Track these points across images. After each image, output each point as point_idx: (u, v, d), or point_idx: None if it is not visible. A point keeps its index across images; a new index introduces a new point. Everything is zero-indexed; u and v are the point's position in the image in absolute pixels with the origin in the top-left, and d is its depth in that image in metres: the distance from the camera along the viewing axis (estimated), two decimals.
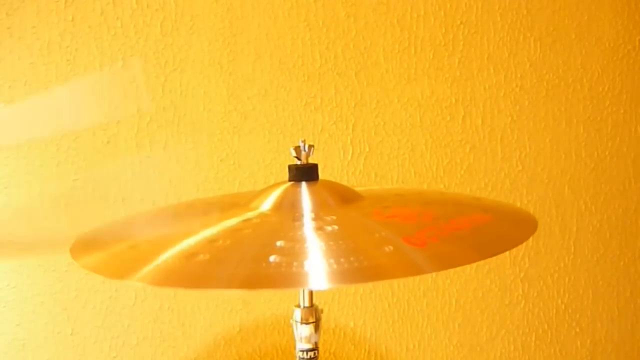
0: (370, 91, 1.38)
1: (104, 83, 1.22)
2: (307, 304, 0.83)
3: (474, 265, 1.49)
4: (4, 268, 1.21)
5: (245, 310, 1.34)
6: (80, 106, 1.22)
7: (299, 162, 0.82)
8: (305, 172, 0.80)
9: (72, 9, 1.19)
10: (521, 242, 0.73)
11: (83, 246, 0.76)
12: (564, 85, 1.54)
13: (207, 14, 1.27)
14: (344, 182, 0.86)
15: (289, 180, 0.81)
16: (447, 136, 1.45)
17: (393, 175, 1.42)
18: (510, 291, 1.55)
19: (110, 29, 1.22)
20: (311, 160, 0.82)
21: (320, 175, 0.82)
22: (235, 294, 1.32)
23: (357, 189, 0.85)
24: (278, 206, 0.76)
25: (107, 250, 0.72)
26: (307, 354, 0.83)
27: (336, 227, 0.69)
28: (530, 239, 0.76)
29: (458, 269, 1.40)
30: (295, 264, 0.61)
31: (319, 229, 0.69)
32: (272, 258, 0.62)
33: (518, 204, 1.52)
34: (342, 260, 0.61)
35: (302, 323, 0.83)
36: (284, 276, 0.59)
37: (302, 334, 0.83)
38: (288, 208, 0.76)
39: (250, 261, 0.62)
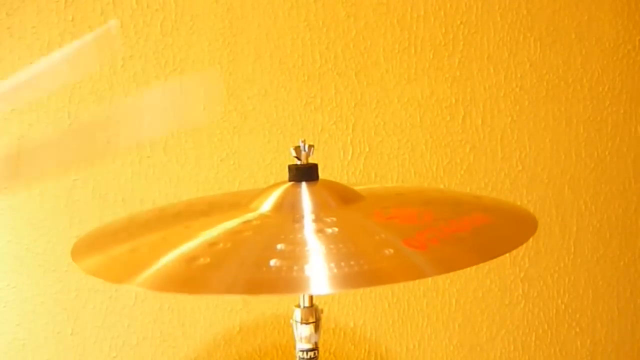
0: (370, 91, 1.38)
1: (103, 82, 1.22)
2: (307, 304, 0.83)
3: (475, 265, 1.49)
4: (4, 268, 1.21)
5: (245, 310, 1.34)
6: (80, 106, 1.21)
7: (299, 162, 0.81)
8: (305, 172, 0.80)
9: (72, 9, 1.19)
10: (521, 244, 0.73)
11: (84, 248, 0.76)
12: (564, 85, 1.54)
13: (207, 14, 1.27)
14: (344, 182, 0.86)
15: (289, 181, 0.80)
16: (447, 136, 1.45)
17: (393, 175, 1.42)
18: (510, 291, 1.55)
19: (110, 29, 1.21)
20: (311, 160, 0.82)
21: (320, 175, 0.82)
22: (236, 297, 1.32)
23: (357, 187, 0.85)
24: (278, 207, 0.76)
25: (107, 253, 0.72)
26: (307, 354, 0.83)
27: (336, 229, 0.69)
28: (530, 239, 0.75)
29: None
30: (295, 268, 0.61)
31: (319, 231, 0.69)
32: (272, 262, 0.62)
33: (518, 204, 1.52)
34: (342, 264, 0.61)
35: (302, 323, 0.82)
36: (285, 281, 0.59)
37: (302, 334, 0.83)
38: (288, 209, 0.76)
39: (251, 265, 0.62)
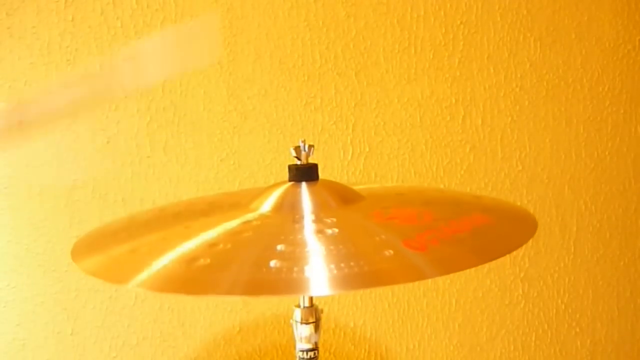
0: (370, 91, 1.38)
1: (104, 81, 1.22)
2: (307, 304, 0.83)
3: (475, 266, 1.49)
4: (4, 268, 1.21)
5: (245, 310, 1.34)
6: (80, 105, 1.21)
7: (299, 162, 0.81)
8: (305, 172, 0.80)
9: (72, 9, 1.19)
10: (521, 245, 0.73)
11: (84, 248, 0.76)
12: (564, 85, 1.54)
13: (207, 14, 1.26)
14: (344, 182, 0.86)
15: (289, 181, 0.80)
16: (447, 136, 1.45)
17: (393, 175, 1.42)
18: (510, 291, 1.56)
19: (110, 29, 1.21)
20: (311, 160, 0.82)
21: (320, 175, 0.82)
22: (236, 298, 1.32)
23: (357, 187, 0.85)
24: (278, 207, 0.76)
25: (107, 254, 0.72)
26: (307, 354, 0.83)
27: (336, 230, 0.69)
28: (530, 239, 0.76)
29: None
30: (295, 269, 0.61)
31: (319, 232, 0.69)
32: (272, 263, 0.62)
33: (518, 204, 1.52)
34: (342, 265, 0.61)
35: (302, 323, 0.82)
36: (285, 282, 0.59)
37: (302, 334, 0.83)
38: (288, 209, 0.76)
39: (251, 266, 0.62)
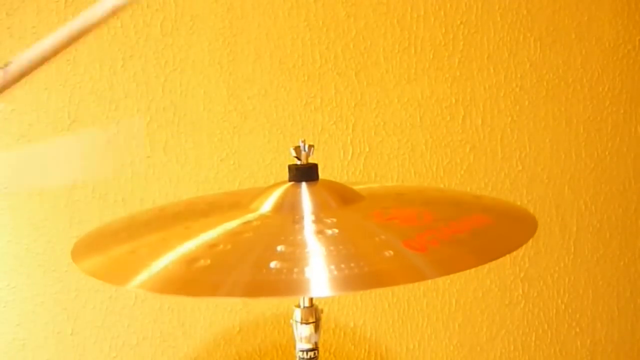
0: (370, 91, 1.38)
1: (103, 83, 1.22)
2: (307, 304, 0.83)
3: (475, 267, 1.49)
4: (4, 268, 1.21)
5: (245, 310, 1.34)
6: (80, 107, 1.21)
7: (299, 162, 0.81)
8: (305, 172, 0.80)
9: (72, 9, 1.19)
10: (521, 245, 0.73)
11: (84, 249, 0.76)
12: (564, 85, 1.54)
13: (207, 14, 1.27)
14: (344, 182, 0.86)
15: (289, 181, 0.80)
16: (447, 136, 1.45)
17: (393, 175, 1.42)
18: (510, 291, 1.56)
19: (110, 29, 1.21)
20: (311, 160, 0.82)
21: (320, 175, 0.82)
22: (236, 299, 1.32)
23: (357, 187, 0.85)
24: (278, 207, 0.76)
25: (107, 254, 0.72)
26: (307, 354, 0.83)
27: (336, 230, 0.69)
28: (530, 239, 0.76)
29: None
30: (295, 270, 0.61)
31: (319, 232, 0.69)
32: (272, 264, 0.62)
33: (518, 204, 1.52)
34: (342, 266, 0.61)
35: (302, 323, 0.83)
36: (285, 283, 0.59)
37: (302, 334, 0.83)
38: (288, 209, 0.76)
39: (251, 267, 0.62)
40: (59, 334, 1.25)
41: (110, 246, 0.74)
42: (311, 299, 0.83)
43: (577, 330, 1.63)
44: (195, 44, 1.26)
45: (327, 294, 0.60)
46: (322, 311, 0.84)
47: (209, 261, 0.64)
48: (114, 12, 0.54)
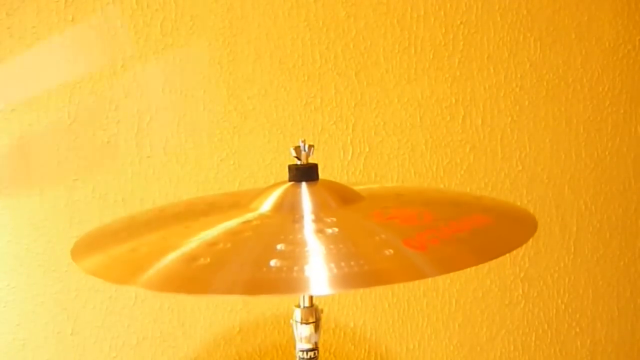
0: (370, 91, 1.38)
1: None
2: (307, 304, 0.83)
3: (474, 266, 1.49)
4: (4, 268, 1.21)
5: (245, 310, 1.34)
6: (80, 103, 1.21)
7: (299, 162, 0.81)
8: (305, 172, 0.80)
9: (72, 9, 1.19)
10: (521, 245, 0.73)
11: (83, 248, 0.76)
12: (564, 85, 1.54)
13: (207, 14, 1.27)
14: (344, 182, 0.86)
15: (289, 181, 0.80)
16: (447, 136, 1.45)
17: (393, 175, 1.42)
18: (510, 291, 1.56)
19: (110, 29, 1.21)
20: (311, 160, 0.82)
21: (320, 175, 0.82)
22: (236, 298, 1.32)
23: (357, 187, 0.85)
24: (278, 207, 0.76)
25: (107, 253, 0.72)
26: (307, 354, 0.83)
27: (336, 229, 0.69)
28: (530, 239, 0.76)
29: None
30: (295, 268, 0.61)
31: (319, 231, 0.69)
32: (272, 262, 0.62)
33: (518, 204, 1.52)
34: (342, 264, 0.61)
35: (302, 323, 0.82)
36: (285, 281, 0.59)
37: (302, 334, 0.83)
38: (288, 209, 0.76)
39: (251, 265, 0.62)
40: (59, 334, 1.25)
41: (110, 245, 0.74)
42: (311, 299, 0.83)
43: (577, 330, 1.63)
44: (195, 44, 1.26)
45: (327, 291, 0.60)
46: (322, 311, 0.84)
47: (208, 259, 0.64)
48: None
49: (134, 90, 1.24)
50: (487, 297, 1.54)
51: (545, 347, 1.61)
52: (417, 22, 1.40)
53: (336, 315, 1.41)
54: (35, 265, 1.22)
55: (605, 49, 1.57)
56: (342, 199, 0.78)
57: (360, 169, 1.39)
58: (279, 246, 0.65)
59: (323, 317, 0.84)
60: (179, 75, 1.26)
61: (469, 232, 0.71)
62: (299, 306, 0.83)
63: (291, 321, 0.84)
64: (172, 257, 0.65)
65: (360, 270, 0.61)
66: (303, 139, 0.82)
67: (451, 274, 1.49)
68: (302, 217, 0.73)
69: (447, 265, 0.66)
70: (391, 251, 0.64)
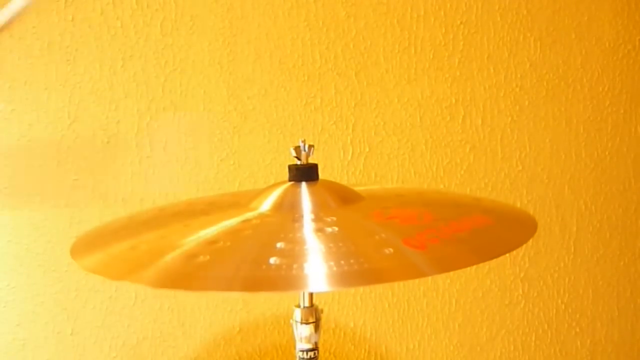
0: (370, 91, 1.38)
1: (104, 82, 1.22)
2: (307, 304, 0.83)
3: (474, 265, 1.49)
4: (4, 268, 1.21)
5: (245, 310, 1.34)
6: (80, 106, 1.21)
7: (299, 162, 0.81)
8: (305, 172, 0.80)
9: (72, 9, 1.19)
10: (521, 245, 0.73)
11: (83, 246, 0.76)
12: (564, 85, 1.54)
13: (207, 14, 1.27)
14: (344, 182, 0.86)
15: (289, 180, 0.81)
16: (447, 136, 1.45)
17: (393, 175, 1.42)
18: (510, 291, 1.56)
19: (110, 29, 1.21)
20: (311, 160, 0.82)
21: (320, 175, 0.82)
22: (235, 295, 1.32)
23: (357, 188, 0.85)
24: (278, 206, 0.76)
25: (107, 251, 0.72)
26: (307, 354, 0.83)
27: (336, 228, 0.69)
28: (530, 239, 0.76)
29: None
30: (295, 266, 0.61)
31: (319, 230, 0.69)
32: (272, 260, 0.62)
33: (518, 204, 1.52)
34: (342, 262, 0.61)
35: (302, 323, 0.82)
36: (284, 279, 0.59)
37: (302, 334, 0.83)
38: (288, 208, 0.76)
39: (251, 263, 0.62)
40: (59, 334, 1.25)
41: (109, 243, 0.74)
42: (311, 299, 0.83)
43: (577, 330, 1.63)
44: (195, 44, 1.26)
45: (326, 289, 0.60)
46: (322, 311, 0.84)
47: (208, 257, 0.64)
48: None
49: (134, 90, 1.24)
50: (487, 297, 1.54)
51: (545, 347, 1.61)
52: (417, 22, 1.40)
53: (336, 315, 1.41)
54: (35, 265, 1.22)
55: (605, 49, 1.57)
56: (342, 199, 0.78)
57: (360, 169, 1.39)
58: (279, 244, 0.65)
59: (323, 317, 0.84)
60: (179, 75, 1.26)
61: (469, 232, 0.71)
62: (299, 306, 0.83)
63: (291, 321, 0.84)
64: (171, 254, 0.66)
65: (360, 269, 0.61)
66: (303, 139, 0.82)
67: (451, 274, 1.49)
68: (301, 216, 0.73)
69: (446, 264, 0.66)
70: (391, 250, 0.64)
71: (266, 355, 1.37)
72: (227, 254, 0.65)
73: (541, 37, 1.50)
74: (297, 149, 0.82)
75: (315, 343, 0.83)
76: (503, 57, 1.48)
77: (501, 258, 1.59)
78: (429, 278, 1.48)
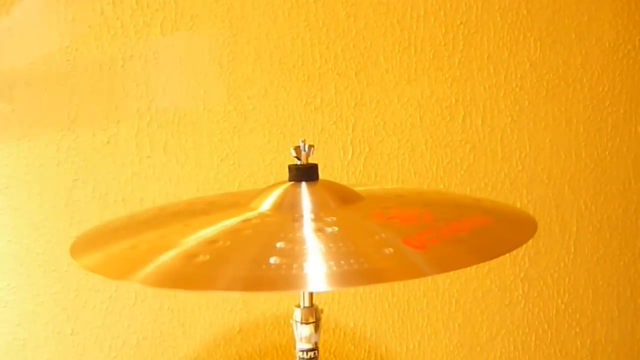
0: (370, 91, 1.38)
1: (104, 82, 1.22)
2: (307, 304, 0.83)
3: (474, 265, 1.49)
4: (4, 268, 1.21)
5: (245, 310, 1.34)
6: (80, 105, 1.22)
7: (299, 162, 0.81)
8: (305, 172, 0.80)
9: (72, 9, 1.19)
10: (521, 245, 0.73)
11: (83, 246, 0.76)
12: (564, 85, 1.54)
13: (207, 14, 1.27)
14: (344, 182, 0.86)
15: (289, 180, 0.81)
16: (447, 136, 1.45)
17: (393, 175, 1.42)
18: (510, 291, 1.55)
19: (110, 29, 1.21)
20: (311, 160, 0.82)
21: (320, 175, 0.82)
22: (235, 295, 1.32)
23: (357, 188, 0.85)
24: (278, 206, 0.76)
25: (106, 250, 0.72)
26: (307, 354, 0.83)
27: (336, 228, 0.69)
28: (530, 239, 0.76)
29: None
30: (295, 265, 0.61)
31: (319, 230, 0.69)
32: (272, 260, 0.62)
33: (518, 204, 1.52)
34: (342, 262, 0.61)
35: (302, 323, 0.82)
36: (284, 278, 0.59)
37: (302, 334, 0.83)
38: (288, 208, 0.76)
39: (251, 263, 0.62)
40: (59, 334, 1.25)
41: (109, 243, 0.74)
42: (311, 299, 0.83)
43: (577, 330, 1.63)
44: (196, 44, 1.26)
45: (326, 288, 0.60)
46: (322, 311, 0.84)
47: (208, 256, 0.64)
48: None
49: (134, 90, 1.24)
50: (487, 297, 1.54)
51: (545, 347, 1.61)
52: (417, 22, 1.40)
53: (336, 315, 1.41)
54: (35, 265, 1.22)
55: (605, 49, 1.57)
56: (341, 199, 0.78)
57: (360, 169, 1.39)
58: (279, 244, 0.65)
59: (323, 317, 0.84)
60: (179, 76, 1.26)
61: (469, 232, 0.72)
62: (299, 306, 0.83)
63: (291, 321, 0.84)
64: (171, 254, 0.66)
65: (360, 268, 0.61)
66: (303, 139, 0.82)
67: (451, 274, 1.49)
68: (301, 216, 0.73)
69: (446, 264, 0.66)
70: (391, 250, 0.64)
71: (266, 355, 1.37)
72: (227, 254, 0.65)
73: (541, 37, 1.50)
74: (297, 149, 0.82)
75: (315, 343, 0.83)
76: (503, 57, 1.48)
77: (501, 258, 1.59)
78: (429, 278, 1.48)
